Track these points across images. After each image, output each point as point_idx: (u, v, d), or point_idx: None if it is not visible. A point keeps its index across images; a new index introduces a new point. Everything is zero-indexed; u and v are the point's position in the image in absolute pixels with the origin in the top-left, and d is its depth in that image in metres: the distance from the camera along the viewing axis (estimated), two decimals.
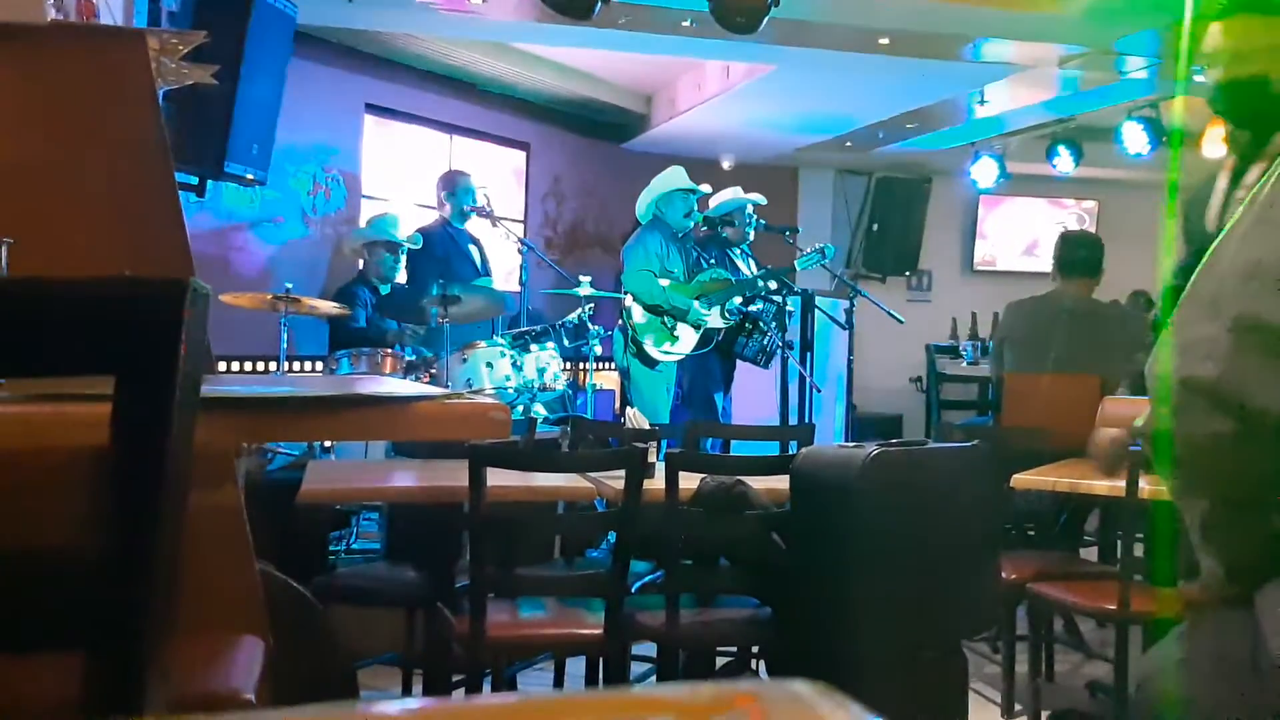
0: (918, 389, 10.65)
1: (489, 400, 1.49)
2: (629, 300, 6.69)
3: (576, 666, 4.02)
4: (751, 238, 7.14)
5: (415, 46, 7.61)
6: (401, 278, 6.54)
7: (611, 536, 3.81)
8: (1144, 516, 3.41)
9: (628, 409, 5.15)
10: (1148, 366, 1.52)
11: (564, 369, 5.84)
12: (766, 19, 5.60)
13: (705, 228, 7.09)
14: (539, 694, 0.57)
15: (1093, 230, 10.18)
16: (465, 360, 5.37)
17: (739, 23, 5.62)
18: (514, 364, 5.40)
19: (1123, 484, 3.34)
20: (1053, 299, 5.14)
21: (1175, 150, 8.21)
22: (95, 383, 0.96)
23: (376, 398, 1.46)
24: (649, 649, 3.85)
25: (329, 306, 5.51)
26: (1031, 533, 4.72)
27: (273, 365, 6.17)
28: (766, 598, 3.44)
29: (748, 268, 7.05)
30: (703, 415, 6.66)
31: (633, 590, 3.55)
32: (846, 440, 7.70)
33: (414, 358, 5.47)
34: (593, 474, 3.46)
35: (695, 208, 6.93)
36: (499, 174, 8.67)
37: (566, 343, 6.21)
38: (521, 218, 8.93)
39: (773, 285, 6.76)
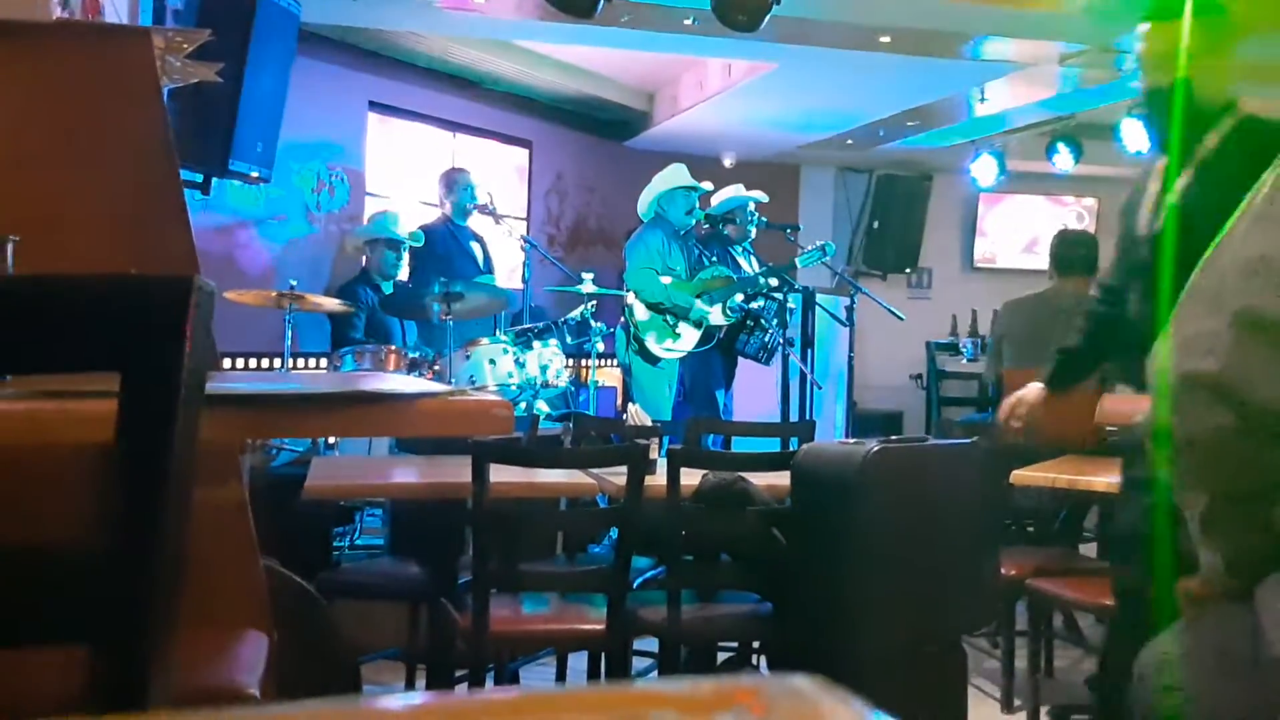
0: (918, 386, 10.65)
1: (492, 397, 1.50)
2: (631, 297, 6.69)
3: (578, 662, 4.03)
4: (753, 235, 7.14)
5: (418, 45, 7.61)
6: (403, 275, 6.54)
7: (613, 532, 3.82)
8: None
9: (629, 406, 5.15)
10: (1148, 361, 1.53)
11: (566, 366, 5.84)
12: (768, 17, 5.61)
13: (707, 225, 7.08)
14: (541, 689, 0.57)
15: (1093, 228, 10.18)
16: (468, 357, 5.37)
17: (741, 21, 5.62)
18: (516, 361, 5.41)
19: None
20: (1050, 297, 5.14)
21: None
22: (100, 380, 0.96)
23: (380, 395, 1.46)
24: (651, 644, 3.86)
25: (333, 304, 5.51)
26: (1031, 529, 4.73)
27: (277, 362, 6.18)
28: (767, 593, 3.44)
29: (749, 265, 7.04)
30: (704, 412, 6.66)
31: (634, 586, 3.55)
32: (847, 437, 7.70)
33: (417, 354, 5.48)
34: (595, 470, 3.47)
35: (697, 205, 6.93)
36: (502, 171, 8.67)
37: (569, 340, 6.22)
38: (524, 215, 8.93)
39: (774, 282, 6.76)
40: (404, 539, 4.18)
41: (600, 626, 3.17)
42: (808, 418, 6.57)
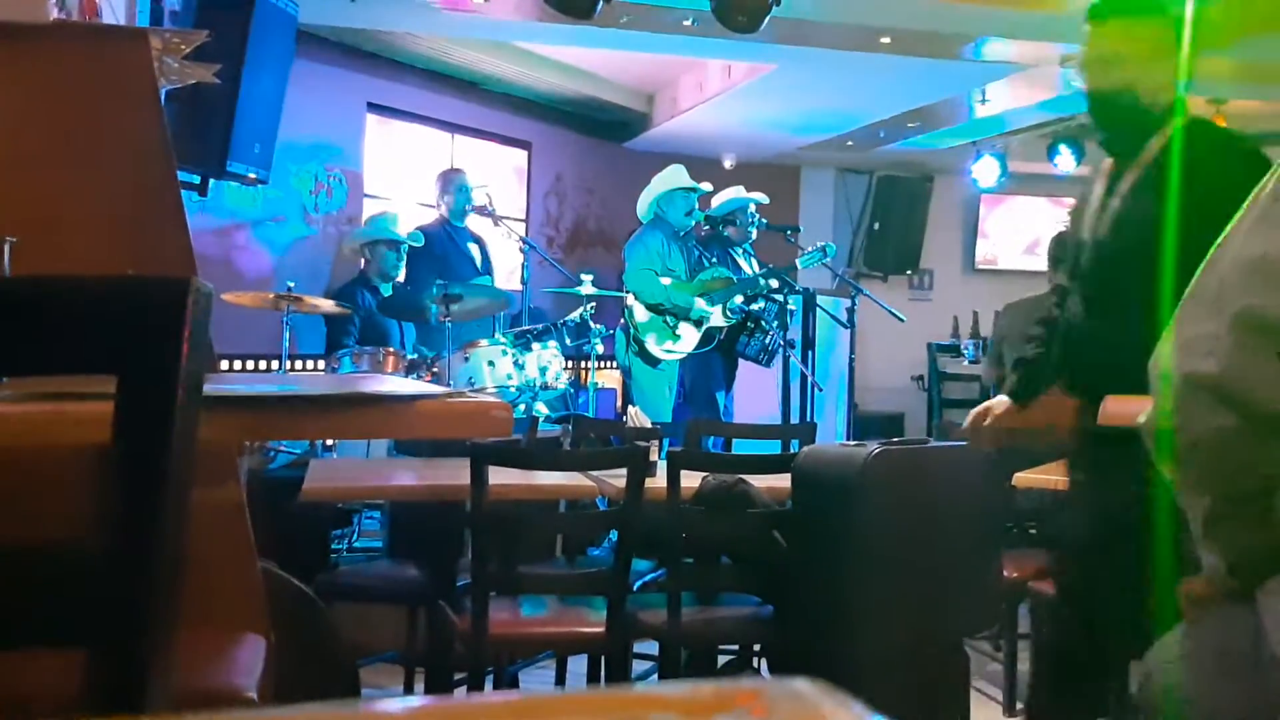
0: (919, 387, 10.65)
1: (491, 399, 1.49)
2: (631, 299, 6.69)
3: (578, 665, 4.03)
4: (753, 237, 7.14)
5: (417, 46, 7.61)
6: (400, 277, 6.54)
7: (613, 535, 3.81)
8: None
9: (629, 408, 5.15)
10: (1150, 363, 1.53)
11: (565, 368, 5.84)
12: (768, 18, 5.61)
13: (707, 227, 7.09)
14: (541, 692, 0.57)
15: None
16: (467, 359, 5.37)
17: (740, 22, 5.62)
18: (516, 363, 5.40)
19: None
20: (1049, 299, 5.13)
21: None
22: (97, 381, 0.96)
23: (379, 396, 1.46)
24: (651, 647, 3.86)
25: (330, 305, 5.51)
26: (1033, 531, 4.72)
27: (275, 364, 6.17)
28: (768, 596, 3.44)
29: (749, 267, 7.04)
30: (704, 414, 6.66)
31: (634, 588, 3.55)
32: (848, 439, 7.71)
33: (416, 356, 5.47)
34: (594, 472, 3.46)
35: (696, 206, 6.93)
36: (501, 173, 8.67)
37: (568, 341, 6.21)
38: (523, 216, 8.93)
39: (774, 284, 6.76)
40: (402, 541, 4.17)
41: (600, 629, 3.17)
42: (808, 420, 6.57)
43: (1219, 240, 1.47)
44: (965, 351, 9.81)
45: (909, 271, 11.13)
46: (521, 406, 5.37)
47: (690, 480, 3.28)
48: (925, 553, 3.15)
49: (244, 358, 6.48)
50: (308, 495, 3.18)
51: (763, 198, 7.17)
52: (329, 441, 4.87)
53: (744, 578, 3.52)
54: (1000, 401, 3.07)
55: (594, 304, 6.25)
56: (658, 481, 3.26)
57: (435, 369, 5.30)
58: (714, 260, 6.90)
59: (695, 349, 6.73)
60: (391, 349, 5.42)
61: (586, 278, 6.29)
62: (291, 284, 5.15)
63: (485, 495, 3.03)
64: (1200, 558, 1.53)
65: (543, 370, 5.50)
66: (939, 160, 10.42)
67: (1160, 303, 2.63)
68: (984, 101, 8.28)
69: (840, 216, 10.99)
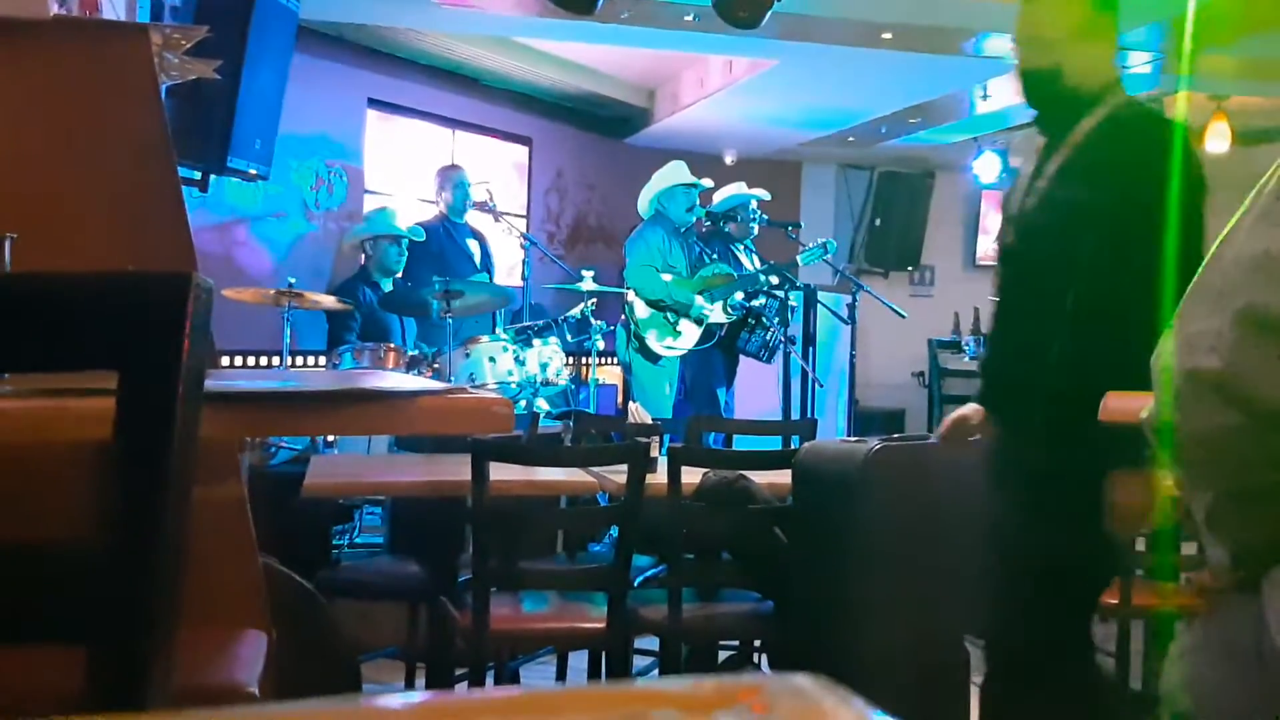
0: (920, 384, 10.65)
1: (492, 395, 1.50)
2: (631, 295, 6.69)
3: (579, 660, 4.03)
4: (755, 233, 7.14)
5: (418, 41, 7.61)
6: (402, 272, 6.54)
7: (614, 531, 3.82)
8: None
9: (630, 404, 5.15)
10: (1152, 360, 1.53)
11: (566, 364, 5.84)
12: (769, 14, 5.60)
13: (708, 223, 7.09)
14: (542, 687, 0.57)
15: None
16: (468, 355, 5.37)
17: (741, 17, 5.62)
18: (516, 359, 5.40)
19: None
20: None
21: (1177, 145, 8.19)
22: (99, 378, 0.96)
23: (379, 393, 1.46)
24: (651, 643, 3.86)
25: (331, 301, 5.51)
26: None
27: (275, 360, 6.17)
28: (768, 592, 3.44)
29: (750, 263, 7.04)
30: (705, 410, 6.66)
31: (635, 584, 3.55)
32: (849, 435, 7.71)
33: (416, 352, 5.47)
34: (595, 468, 3.47)
35: (697, 203, 6.93)
36: (501, 169, 8.66)
37: (569, 337, 6.21)
38: (524, 212, 8.93)
39: (775, 280, 6.76)
40: (403, 537, 4.18)
41: (601, 625, 3.17)
42: (809, 416, 6.58)
43: (1221, 237, 1.47)
44: (966, 348, 9.78)
45: (910, 267, 11.12)
46: (522, 403, 5.38)
47: (691, 476, 3.28)
48: (926, 549, 3.15)
49: (245, 354, 6.49)
50: (309, 491, 3.19)
51: (764, 194, 7.17)
52: (330, 438, 4.88)
53: (744, 573, 3.52)
54: (975, 410, 2.96)
55: (595, 300, 6.25)
56: (658, 477, 3.26)
57: (436, 365, 5.30)
58: (715, 256, 6.90)
59: (696, 345, 6.73)
60: (392, 345, 5.42)
61: (587, 274, 6.29)
62: (292, 280, 5.15)
63: (486, 491, 3.03)
64: (1205, 551, 1.53)
65: (543, 366, 5.50)
66: (940, 156, 10.41)
67: (1072, 282, 2.62)
68: (985, 97, 8.27)
69: (841, 212, 10.98)
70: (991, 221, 11.26)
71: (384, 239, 6.28)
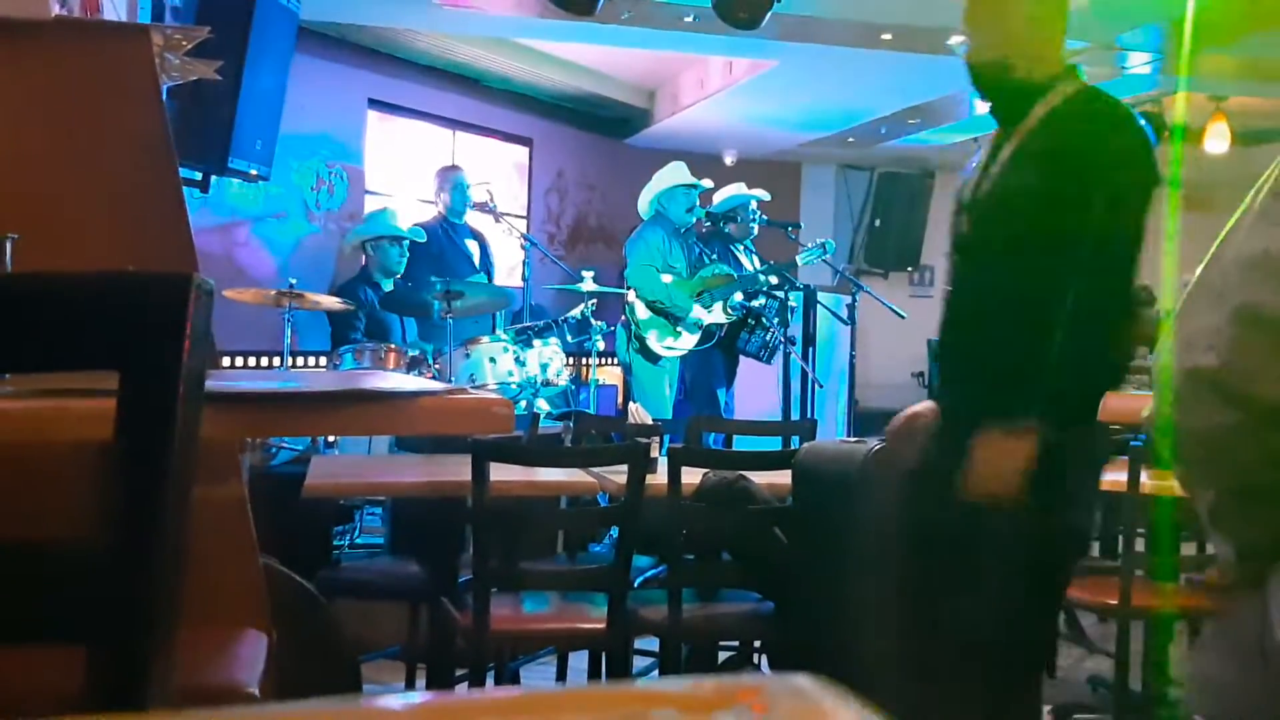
0: (920, 384, 10.64)
1: (492, 395, 1.50)
2: (632, 295, 6.69)
3: (579, 661, 4.03)
4: (754, 233, 7.13)
5: (418, 42, 7.61)
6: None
7: (614, 531, 3.82)
8: (1145, 512, 3.41)
9: (630, 404, 5.15)
10: (1151, 358, 1.53)
11: (567, 364, 5.84)
12: (769, 15, 5.60)
13: (708, 224, 7.08)
14: (542, 688, 0.57)
15: None
16: (468, 355, 5.37)
17: (742, 18, 5.62)
18: (517, 359, 5.41)
19: (1124, 478, 3.34)
20: None
21: (1177, 146, 8.19)
22: (99, 378, 0.96)
23: (380, 393, 1.46)
24: (651, 643, 3.86)
25: (332, 302, 5.51)
26: None
27: (276, 360, 6.18)
28: (768, 592, 3.44)
29: (750, 264, 7.04)
30: (705, 410, 6.66)
31: (635, 585, 3.55)
32: (848, 435, 7.70)
33: (417, 353, 5.47)
34: (595, 469, 3.46)
35: (697, 203, 6.93)
36: (502, 169, 8.66)
37: (569, 338, 6.21)
38: (524, 213, 8.93)
39: (774, 280, 6.76)
40: (404, 538, 4.18)
41: (601, 625, 3.17)
42: (809, 416, 6.58)
43: (1221, 236, 1.47)
44: None
45: (910, 268, 11.12)
46: (523, 403, 5.38)
47: (691, 477, 3.28)
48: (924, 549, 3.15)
49: (246, 354, 6.49)
50: (309, 492, 3.18)
51: (764, 194, 7.17)
52: (330, 438, 4.88)
53: (744, 574, 3.52)
54: (929, 407, 2.90)
55: (595, 300, 6.25)
56: (658, 478, 3.26)
57: (437, 365, 5.30)
58: (714, 257, 6.90)
59: (696, 346, 6.73)
60: (393, 345, 5.42)
61: (587, 274, 6.29)
62: (293, 280, 5.15)
63: (486, 492, 3.03)
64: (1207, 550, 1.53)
65: (544, 367, 5.50)
66: (940, 156, 10.41)
67: (1022, 270, 2.59)
68: None
69: (841, 213, 10.98)
70: None
71: (385, 240, 6.28)
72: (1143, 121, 2.65)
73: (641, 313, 6.65)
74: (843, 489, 3.12)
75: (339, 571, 4.01)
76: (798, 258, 7.09)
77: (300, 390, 1.47)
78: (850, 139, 9.70)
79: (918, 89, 8.09)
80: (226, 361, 6.13)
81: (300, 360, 6.43)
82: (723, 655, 3.93)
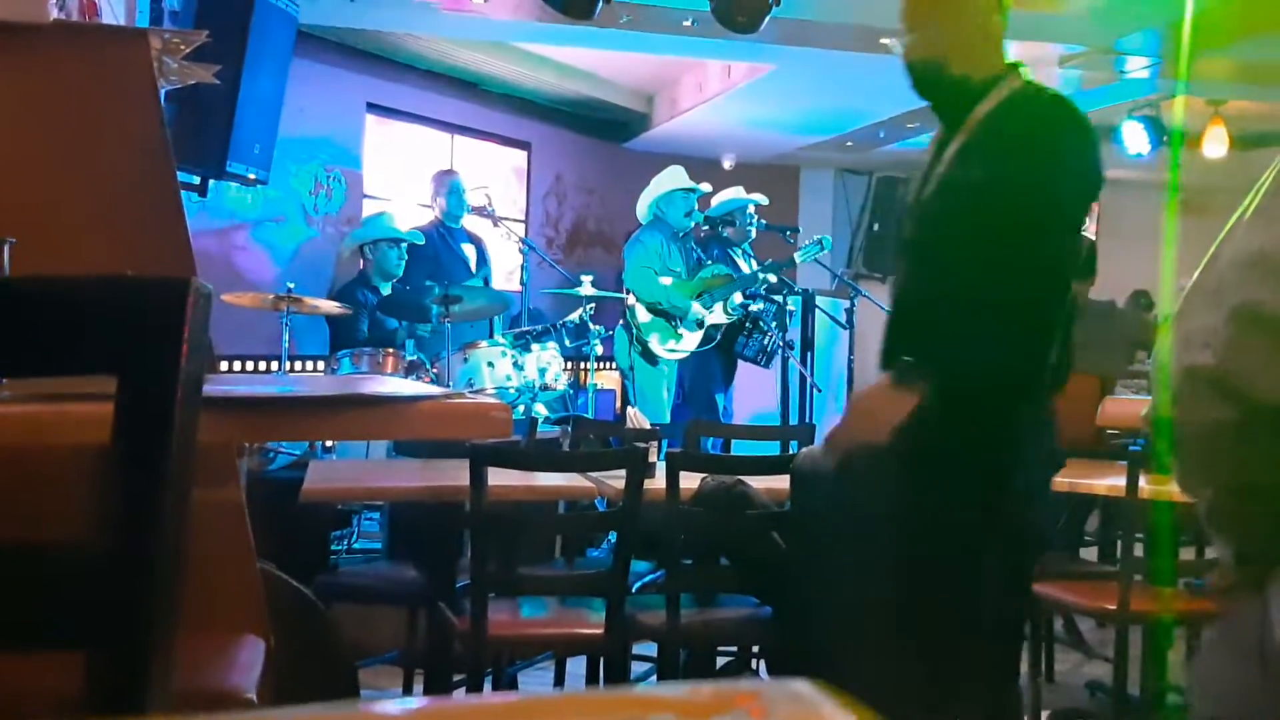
0: None
1: (490, 400, 1.50)
2: (632, 299, 6.69)
3: (577, 666, 4.02)
4: (752, 237, 7.14)
5: (417, 46, 7.62)
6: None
7: (612, 536, 3.81)
8: (1144, 516, 3.41)
9: (628, 409, 5.15)
10: (1150, 357, 1.53)
11: (565, 369, 5.84)
12: (767, 19, 5.61)
13: (706, 227, 7.09)
14: (540, 693, 0.57)
15: (1093, 231, 10.15)
16: (466, 360, 5.36)
17: (740, 22, 5.63)
18: (515, 364, 5.40)
19: (1122, 483, 3.34)
20: None
21: (1175, 150, 8.21)
22: (98, 382, 0.96)
23: (378, 397, 1.46)
24: (650, 648, 3.85)
25: (330, 306, 5.50)
26: None
27: (274, 365, 6.17)
28: (766, 597, 3.44)
29: (748, 267, 7.04)
30: (703, 415, 6.66)
31: (633, 589, 3.55)
32: None
33: (415, 357, 5.47)
34: (594, 473, 3.46)
35: (695, 207, 6.93)
36: (500, 173, 8.67)
37: (568, 342, 6.21)
38: (523, 217, 8.93)
39: (772, 278, 6.76)
40: (402, 542, 4.17)
41: (599, 630, 3.17)
42: (807, 421, 6.57)
43: (1220, 237, 1.47)
44: None
45: None
46: (521, 408, 5.37)
47: (689, 481, 3.28)
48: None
49: (244, 359, 6.48)
50: (307, 496, 3.18)
51: (762, 199, 7.17)
52: (328, 443, 4.88)
53: (742, 579, 3.52)
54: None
55: (593, 305, 6.25)
56: (657, 483, 3.26)
57: (435, 370, 5.30)
58: (713, 260, 6.91)
59: (698, 347, 6.74)
60: (391, 350, 5.41)
61: (586, 278, 6.29)
62: (291, 285, 5.15)
63: (484, 496, 3.03)
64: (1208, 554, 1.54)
65: (542, 371, 5.50)
66: None
67: (965, 267, 2.56)
68: None
69: (839, 217, 10.98)
70: None
71: (383, 242, 6.28)
72: (1085, 117, 2.64)
73: (643, 316, 6.65)
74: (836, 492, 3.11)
75: (337, 576, 4.01)
76: (796, 255, 7.08)
77: (298, 394, 1.46)
78: (849, 143, 9.70)
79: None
80: (224, 366, 6.12)
81: (298, 365, 6.43)
82: (721, 660, 3.92)
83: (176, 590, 0.97)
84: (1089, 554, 4.77)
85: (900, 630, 2.57)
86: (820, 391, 7.02)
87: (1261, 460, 1.39)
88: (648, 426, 4.28)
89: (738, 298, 6.76)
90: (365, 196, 7.61)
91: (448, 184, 6.79)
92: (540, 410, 5.54)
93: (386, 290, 6.21)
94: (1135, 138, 8.29)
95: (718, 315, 6.71)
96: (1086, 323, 5.03)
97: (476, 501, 3.02)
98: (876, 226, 10.97)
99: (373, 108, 7.74)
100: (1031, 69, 2.72)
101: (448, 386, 4.96)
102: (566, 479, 3.53)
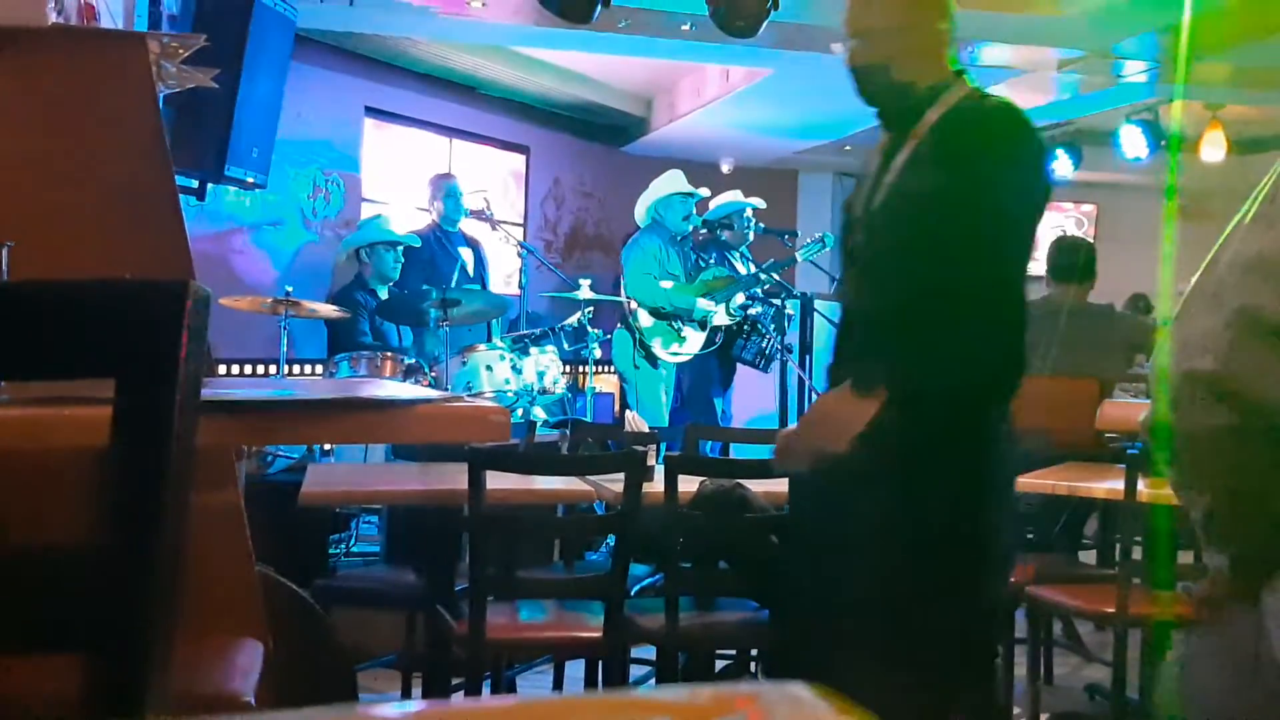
0: None
1: (488, 403, 1.50)
2: (633, 304, 6.69)
3: (576, 669, 4.02)
4: (750, 240, 7.14)
5: (415, 50, 7.62)
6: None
7: (611, 539, 3.81)
8: (1142, 520, 3.41)
9: (627, 412, 5.15)
10: (1149, 362, 1.53)
11: (563, 372, 5.83)
12: (766, 23, 5.61)
13: (704, 231, 7.09)
14: (538, 696, 0.57)
15: (1092, 234, 10.18)
16: (465, 363, 5.36)
17: (739, 26, 5.63)
18: (513, 367, 5.40)
19: (1121, 486, 3.34)
20: (1048, 303, 5.16)
21: (1174, 154, 8.21)
22: (96, 386, 0.96)
23: (376, 401, 1.46)
24: (648, 652, 3.85)
25: (329, 310, 5.50)
26: (1030, 536, 4.72)
27: (273, 368, 6.17)
28: (765, 600, 3.44)
29: (746, 271, 7.05)
30: (702, 418, 6.66)
31: (632, 593, 3.55)
32: None
33: (414, 360, 5.47)
34: (592, 477, 3.46)
35: (694, 211, 6.93)
36: (499, 177, 8.67)
37: (566, 346, 6.21)
38: (521, 221, 8.93)
39: (776, 276, 6.76)
40: (400, 546, 4.17)
41: (598, 634, 3.16)
42: None
43: (1219, 241, 1.47)
44: None
45: None
46: (519, 411, 5.37)
47: (688, 485, 3.28)
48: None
49: (242, 362, 6.48)
50: (306, 500, 3.18)
51: (760, 202, 7.17)
52: (327, 446, 4.88)
53: (741, 582, 3.52)
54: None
55: (592, 308, 6.25)
56: (655, 486, 3.25)
57: (433, 373, 5.30)
58: (711, 263, 6.91)
59: (701, 350, 6.74)
60: (389, 353, 5.41)
61: (584, 282, 6.29)
62: (289, 288, 5.15)
63: (483, 500, 3.03)
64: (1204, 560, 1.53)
65: (540, 375, 5.50)
66: None
67: (919, 276, 2.53)
68: None
69: (838, 221, 10.97)
70: None
71: (380, 245, 6.28)
72: (1034, 124, 2.64)
73: (645, 320, 6.65)
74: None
75: (335, 580, 4.01)
76: (797, 253, 7.07)
77: (297, 398, 1.46)
78: (847, 147, 9.70)
79: None
80: (223, 369, 6.12)
81: (297, 368, 6.43)
82: (720, 663, 3.92)
83: (175, 594, 0.97)
84: (1088, 557, 4.77)
85: (884, 634, 2.57)
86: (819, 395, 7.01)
87: (1259, 465, 1.39)
88: (646, 430, 4.28)
89: (739, 299, 6.76)
90: (363, 200, 7.61)
91: (445, 188, 6.79)
92: (539, 414, 5.54)
93: (384, 293, 6.20)
94: (1133, 142, 8.30)
95: (720, 316, 6.71)
96: (1085, 326, 5.08)
97: (475, 505, 3.02)
98: None
99: (371, 111, 7.74)
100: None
101: (446, 390, 4.96)
102: (565, 482, 3.53)
